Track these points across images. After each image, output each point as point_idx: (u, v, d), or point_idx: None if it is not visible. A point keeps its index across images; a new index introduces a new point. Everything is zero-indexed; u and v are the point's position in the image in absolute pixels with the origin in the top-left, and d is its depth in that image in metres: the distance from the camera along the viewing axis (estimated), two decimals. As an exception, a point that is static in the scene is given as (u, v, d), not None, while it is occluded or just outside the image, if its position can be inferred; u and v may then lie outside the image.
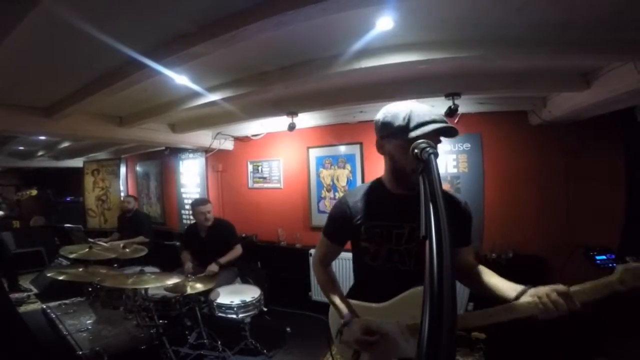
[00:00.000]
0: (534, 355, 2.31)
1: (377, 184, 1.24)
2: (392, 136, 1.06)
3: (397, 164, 1.10)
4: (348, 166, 3.82)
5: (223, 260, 3.20)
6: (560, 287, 0.90)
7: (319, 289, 1.34)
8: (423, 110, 1.02)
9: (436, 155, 0.75)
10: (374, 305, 1.17)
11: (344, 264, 3.42)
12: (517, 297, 0.95)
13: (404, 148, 0.95)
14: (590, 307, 0.87)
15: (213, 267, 3.09)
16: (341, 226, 1.26)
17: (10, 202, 5.31)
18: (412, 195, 0.69)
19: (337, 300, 1.23)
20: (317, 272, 1.37)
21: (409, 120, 1.01)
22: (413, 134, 0.97)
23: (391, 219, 1.16)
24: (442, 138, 1.03)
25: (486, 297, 1.07)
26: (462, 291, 2.88)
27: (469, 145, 3.23)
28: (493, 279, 1.10)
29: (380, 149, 1.15)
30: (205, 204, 3.40)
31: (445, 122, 1.00)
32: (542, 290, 0.91)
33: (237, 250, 3.40)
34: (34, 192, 4.61)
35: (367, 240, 1.19)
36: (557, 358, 2.25)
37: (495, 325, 0.95)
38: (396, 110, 1.05)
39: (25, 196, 4.57)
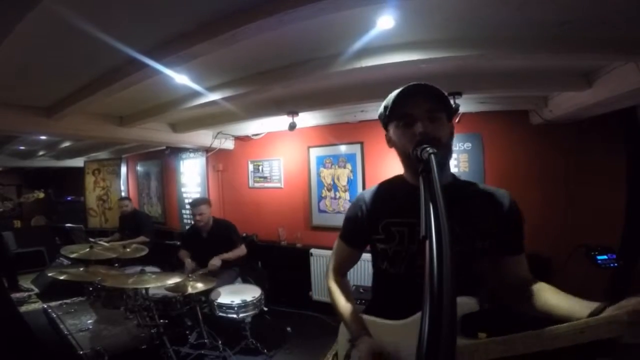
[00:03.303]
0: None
1: (399, 177, 1.09)
2: (387, 123, 1.01)
3: (399, 150, 0.99)
4: (349, 165, 3.81)
5: (226, 256, 3.18)
6: None
7: (323, 292, 1.20)
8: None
9: (437, 155, 0.71)
10: (390, 322, 0.94)
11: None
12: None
13: (396, 129, 0.96)
14: None
15: (215, 261, 3.07)
16: (357, 225, 1.10)
17: (13, 202, 5.31)
18: None
19: (346, 314, 1.04)
20: (330, 281, 1.18)
21: (389, 98, 0.97)
22: (390, 108, 0.94)
23: (415, 215, 0.99)
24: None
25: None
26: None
27: (470, 145, 3.22)
28: (555, 297, 0.83)
29: (389, 142, 1.03)
30: (198, 206, 3.30)
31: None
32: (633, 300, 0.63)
33: (242, 249, 3.39)
34: (41, 194, 4.48)
35: (385, 240, 1.01)
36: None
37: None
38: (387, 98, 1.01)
39: (31, 199, 4.46)
